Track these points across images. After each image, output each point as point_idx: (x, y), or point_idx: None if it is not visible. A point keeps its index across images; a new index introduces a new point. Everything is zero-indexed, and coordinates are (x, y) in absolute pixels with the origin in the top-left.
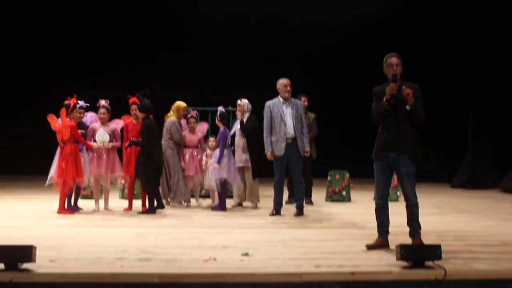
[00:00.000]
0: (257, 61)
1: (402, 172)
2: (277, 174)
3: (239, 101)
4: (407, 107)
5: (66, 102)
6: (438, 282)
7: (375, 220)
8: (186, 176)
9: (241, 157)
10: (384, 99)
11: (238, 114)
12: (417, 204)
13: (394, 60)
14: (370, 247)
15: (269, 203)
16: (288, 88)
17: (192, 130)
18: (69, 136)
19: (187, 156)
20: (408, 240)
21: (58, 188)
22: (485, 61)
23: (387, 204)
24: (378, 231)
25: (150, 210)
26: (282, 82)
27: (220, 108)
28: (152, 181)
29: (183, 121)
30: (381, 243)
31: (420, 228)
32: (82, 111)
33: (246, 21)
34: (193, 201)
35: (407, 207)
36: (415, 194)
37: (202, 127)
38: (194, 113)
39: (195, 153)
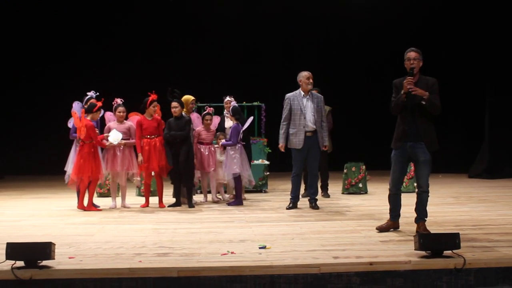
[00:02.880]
0: (272, 55)
1: (419, 159)
2: (296, 167)
3: (228, 98)
4: (423, 102)
5: (92, 101)
6: (457, 270)
7: None
8: (204, 173)
9: None
10: (402, 92)
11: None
12: (427, 192)
13: (412, 54)
14: (381, 229)
15: (286, 196)
16: (311, 80)
17: (207, 127)
18: (86, 135)
19: (206, 153)
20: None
21: (73, 185)
22: (500, 52)
23: (400, 192)
24: (390, 214)
25: (190, 204)
26: (305, 75)
27: (233, 103)
28: (193, 175)
29: (194, 115)
30: (392, 225)
31: (426, 215)
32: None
33: (260, 16)
34: (209, 197)
35: (417, 193)
36: (427, 182)
37: (214, 122)
38: (210, 110)
39: (212, 149)
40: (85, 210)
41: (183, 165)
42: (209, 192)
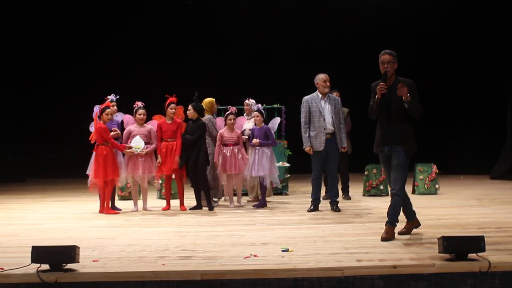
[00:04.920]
0: (291, 57)
1: (393, 162)
2: (316, 169)
3: (246, 101)
4: (405, 105)
5: (107, 104)
6: (482, 274)
7: None
8: (228, 176)
9: None
10: (376, 97)
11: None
12: (399, 195)
13: (386, 57)
14: (402, 234)
15: (307, 198)
16: (328, 83)
17: (231, 127)
18: (99, 137)
19: (228, 154)
20: (448, 232)
21: (94, 189)
22: None
23: (404, 191)
24: (405, 216)
25: (210, 207)
26: (321, 78)
27: (256, 106)
28: (205, 179)
29: (218, 119)
30: (412, 226)
31: (396, 221)
32: (110, 111)
33: (280, 17)
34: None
35: (390, 195)
36: (400, 185)
37: (238, 123)
38: (233, 110)
39: (236, 151)
40: (106, 213)
41: (191, 170)
42: (235, 194)
